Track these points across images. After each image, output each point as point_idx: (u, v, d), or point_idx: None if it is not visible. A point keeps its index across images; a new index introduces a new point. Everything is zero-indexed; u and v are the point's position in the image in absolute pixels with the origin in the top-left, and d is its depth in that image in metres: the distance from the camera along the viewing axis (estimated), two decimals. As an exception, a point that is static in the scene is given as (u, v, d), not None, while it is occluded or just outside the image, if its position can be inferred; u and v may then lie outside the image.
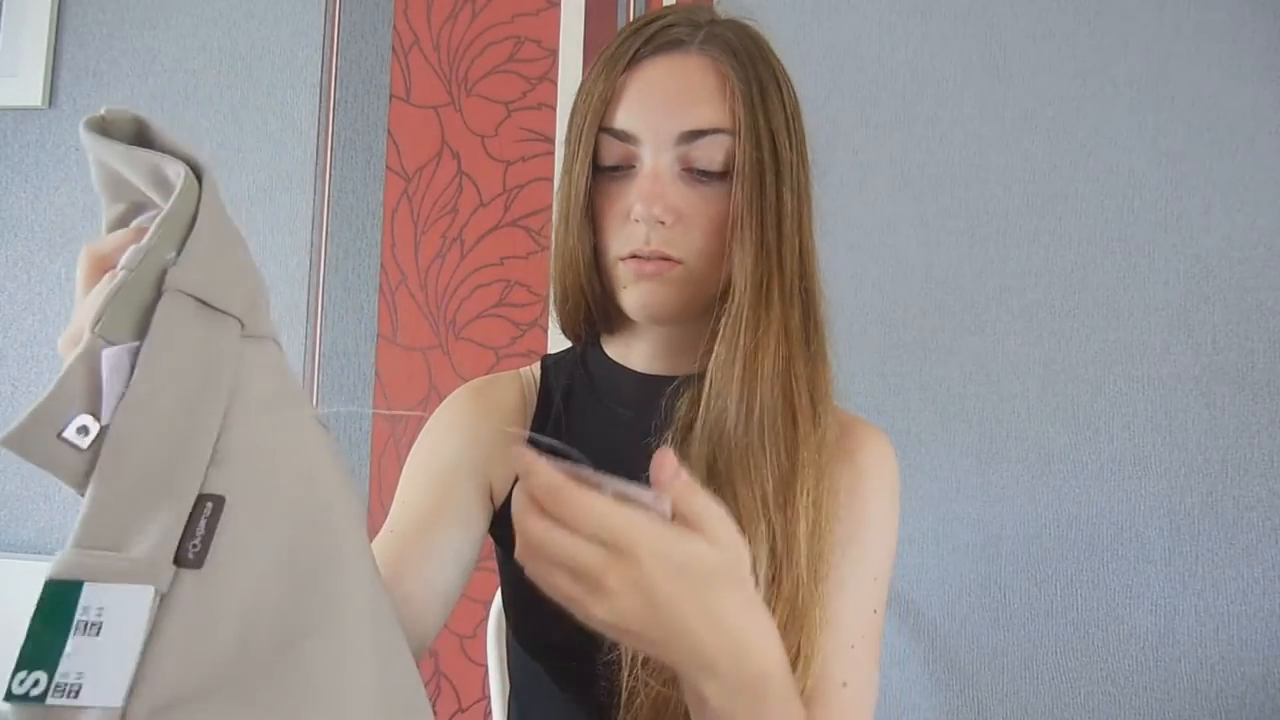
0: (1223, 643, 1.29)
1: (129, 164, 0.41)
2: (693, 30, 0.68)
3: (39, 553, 1.57)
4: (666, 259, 0.67)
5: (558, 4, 1.53)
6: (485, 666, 1.35)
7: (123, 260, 0.38)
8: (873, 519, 0.71)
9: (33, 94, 1.63)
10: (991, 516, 1.36)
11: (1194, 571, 1.31)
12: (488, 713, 1.44)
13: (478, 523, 0.73)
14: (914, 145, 1.43)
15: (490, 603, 1.09)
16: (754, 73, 0.67)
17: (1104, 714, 1.31)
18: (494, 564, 0.83)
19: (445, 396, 0.81)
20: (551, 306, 0.78)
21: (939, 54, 1.43)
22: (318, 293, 1.56)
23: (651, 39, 0.68)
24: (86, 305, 0.40)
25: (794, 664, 0.62)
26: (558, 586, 0.44)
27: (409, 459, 0.76)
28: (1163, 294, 1.35)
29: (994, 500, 1.36)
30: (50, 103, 1.65)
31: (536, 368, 0.82)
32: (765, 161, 0.66)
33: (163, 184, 0.40)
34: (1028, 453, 1.36)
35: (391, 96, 1.57)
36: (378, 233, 1.55)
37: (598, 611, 0.44)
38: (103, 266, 0.41)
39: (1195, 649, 1.30)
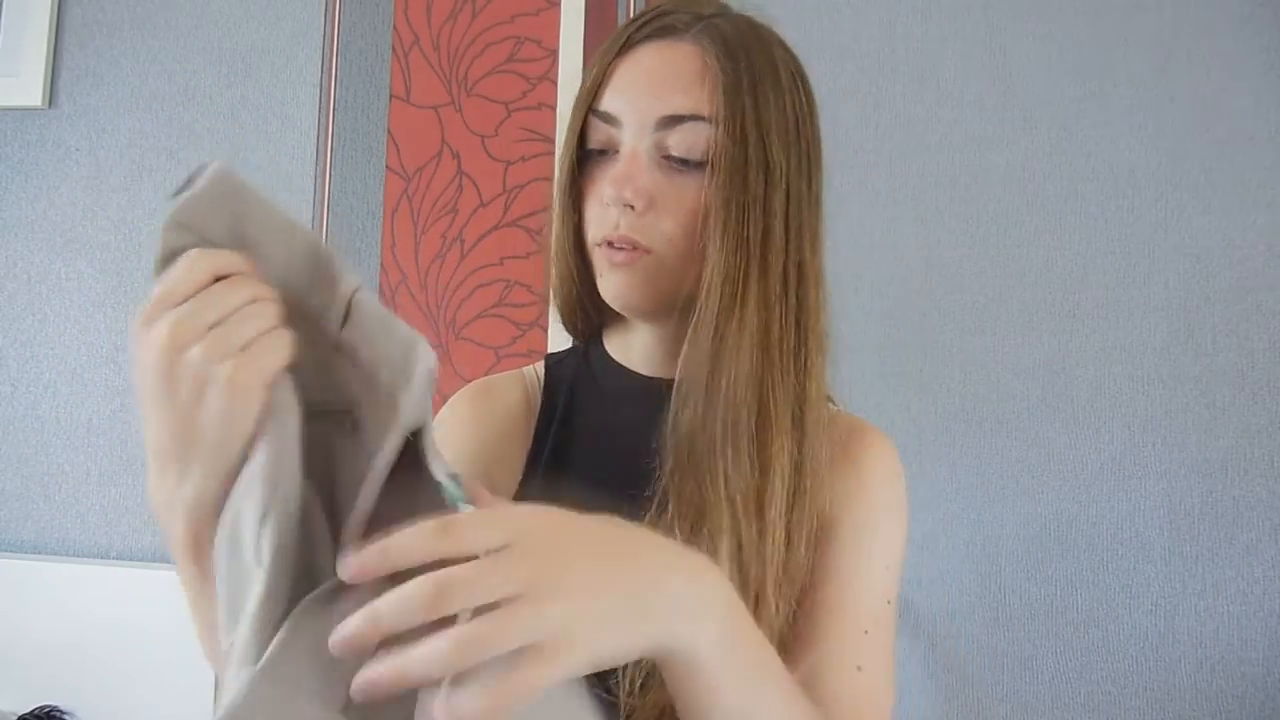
0: (1223, 643, 1.29)
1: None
2: (692, 20, 0.67)
3: (39, 553, 1.57)
4: (635, 246, 0.65)
5: (558, 4, 1.53)
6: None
7: None
8: (881, 510, 0.70)
9: (33, 94, 1.63)
10: (991, 516, 1.36)
11: (1194, 571, 1.31)
12: (488, 713, 1.43)
13: None
14: (914, 145, 1.43)
15: (490, 603, 1.08)
16: (745, 65, 0.65)
17: (1104, 714, 1.31)
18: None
19: (445, 397, 0.81)
20: (552, 301, 0.78)
21: (939, 54, 1.43)
22: (318, 293, 1.56)
23: (647, 25, 0.68)
24: None
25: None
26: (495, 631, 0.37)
27: None
28: (1163, 294, 1.35)
29: (994, 500, 1.36)
30: (50, 103, 1.65)
31: (540, 366, 0.81)
32: (750, 158, 0.64)
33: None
34: (1028, 453, 1.36)
35: (391, 96, 1.57)
36: (378, 233, 1.55)
37: (543, 602, 0.38)
38: None
39: (1195, 649, 1.30)
